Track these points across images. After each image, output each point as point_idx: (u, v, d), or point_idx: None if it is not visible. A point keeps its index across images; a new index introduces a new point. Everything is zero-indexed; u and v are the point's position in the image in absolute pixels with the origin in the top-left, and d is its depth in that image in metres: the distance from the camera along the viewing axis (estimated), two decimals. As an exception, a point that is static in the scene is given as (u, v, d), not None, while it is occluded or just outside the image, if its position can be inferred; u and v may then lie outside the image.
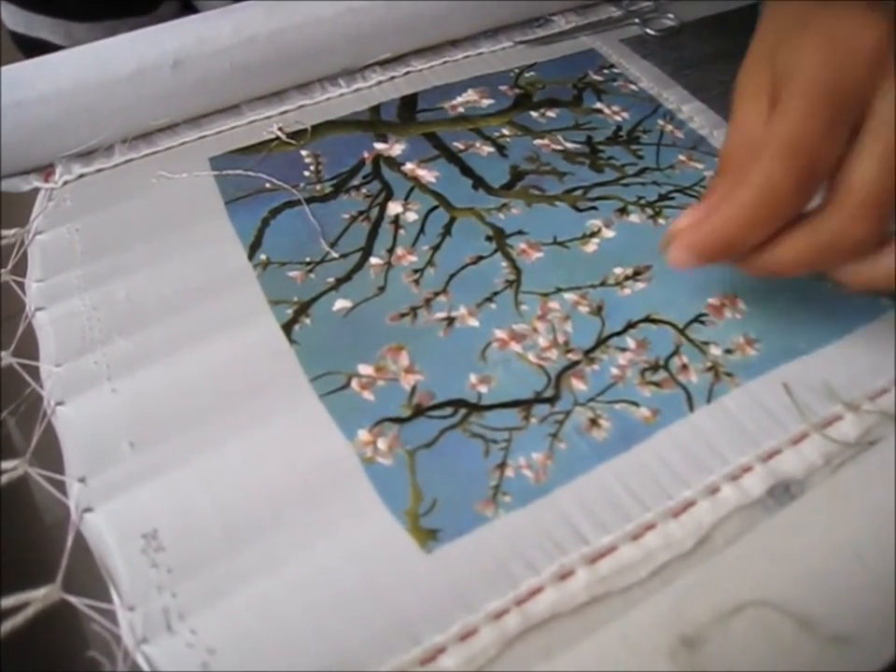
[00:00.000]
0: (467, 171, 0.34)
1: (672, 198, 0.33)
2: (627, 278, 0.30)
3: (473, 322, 0.29)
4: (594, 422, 0.26)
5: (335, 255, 0.31)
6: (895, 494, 0.21)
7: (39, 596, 0.22)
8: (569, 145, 0.35)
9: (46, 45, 0.45)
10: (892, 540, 0.20)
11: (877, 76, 0.23)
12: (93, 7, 0.45)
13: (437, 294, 0.30)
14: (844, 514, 0.21)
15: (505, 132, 0.36)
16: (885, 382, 0.27)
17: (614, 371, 0.27)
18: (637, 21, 0.42)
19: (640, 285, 0.30)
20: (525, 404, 0.26)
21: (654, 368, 0.27)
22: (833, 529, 0.21)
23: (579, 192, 0.33)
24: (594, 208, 0.33)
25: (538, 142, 0.36)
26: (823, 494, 0.22)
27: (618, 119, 0.37)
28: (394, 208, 0.33)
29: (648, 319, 0.29)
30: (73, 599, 0.22)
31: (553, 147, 0.35)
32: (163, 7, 0.46)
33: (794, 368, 0.27)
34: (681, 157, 0.35)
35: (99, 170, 0.35)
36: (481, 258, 0.31)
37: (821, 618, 0.19)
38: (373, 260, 0.31)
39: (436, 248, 0.31)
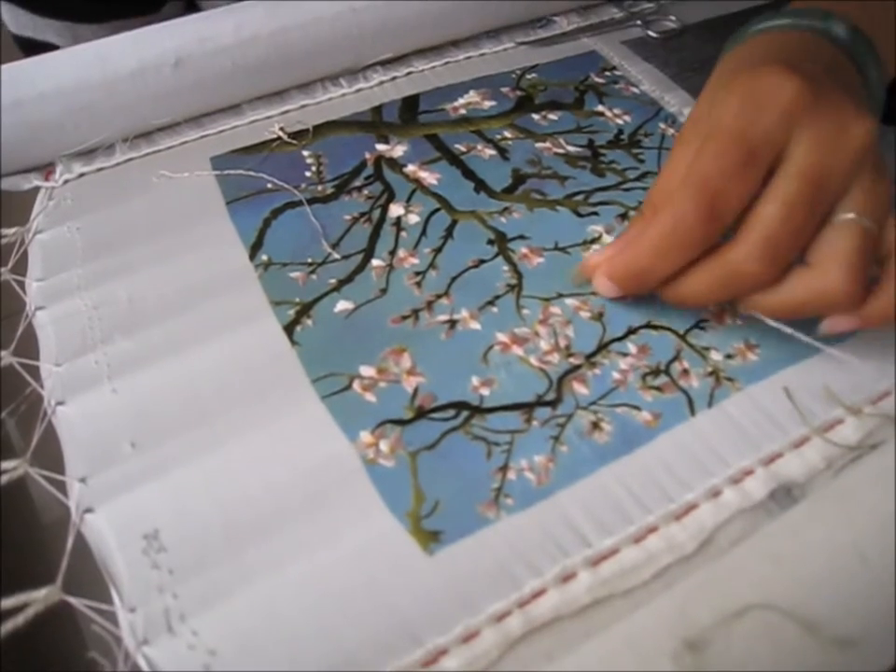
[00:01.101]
0: (468, 173, 0.34)
1: (673, 201, 0.33)
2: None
3: (475, 325, 0.29)
4: (595, 425, 0.26)
5: (337, 256, 0.31)
6: (897, 498, 0.21)
7: (39, 597, 0.22)
8: (571, 148, 0.35)
9: (53, 48, 0.45)
10: (895, 543, 0.20)
11: (792, 126, 0.25)
12: (100, 9, 0.44)
13: (439, 297, 0.30)
14: (846, 517, 0.21)
15: (507, 134, 0.36)
16: (886, 385, 0.27)
17: (615, 375, 0.27)
18: (638, 22, 0.42)
19: (640, 292, 0.30)
20: (526, 407, 0.26)
21: (655, 373, 0.28)
22: (836, 532, 0.21)
23: (580, 197, 0.33)
24: (595, 213, 0.33)
25: (539, 145, 0.36)
26: (826, 497, 0.22)
27: (619, 122, 0.37)
28: (396, 210, 0.33)
29: (648, 325, 0.29)
30: (73, 600, 0.22)
31: (555, 150, 0.35)
32: (168, 6, 0.46)
33: (795, 372, 0.27)
34: (682, 160, 0.35)
35: (100, 169, 0.34)
36: (482, 261, 0.31)
37: (825, 621, 0.19)
38: (375, 262, 0.31)
39: (438, 251, 0.31)
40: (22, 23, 0.46)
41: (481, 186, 0.34)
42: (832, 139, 0.25)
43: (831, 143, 0.25)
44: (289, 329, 0.28)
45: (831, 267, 0.25)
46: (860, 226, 0.25)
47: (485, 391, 0.27)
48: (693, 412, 0.26)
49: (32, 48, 0.46)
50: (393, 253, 0.31)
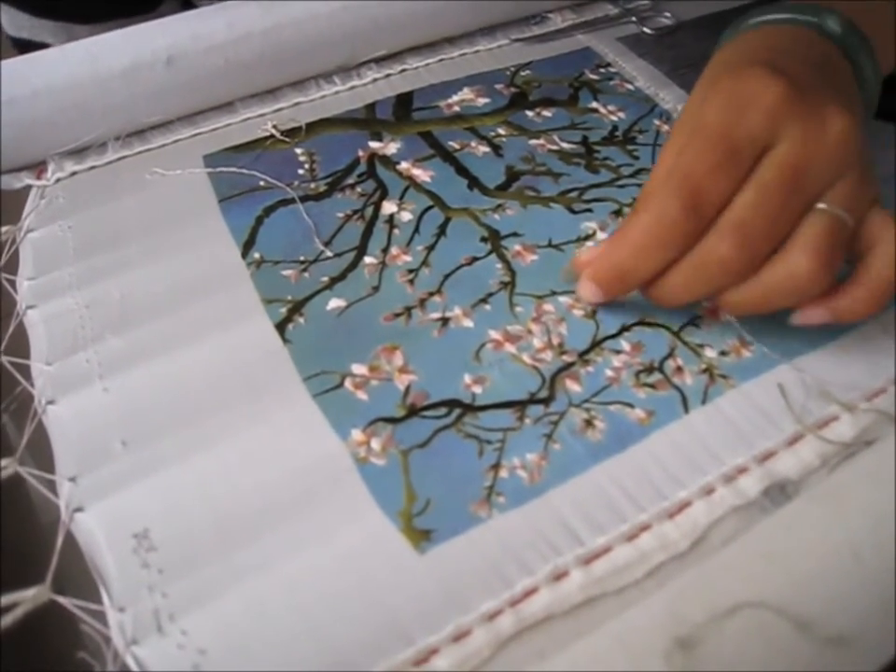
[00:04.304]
0: (462, 171, 0.34)
1: (668, 198, 0.33)
2: (622, 280, 0.30)
3: (468, 323, 0.29)
4: (588, 423, 0.26)
5: (329, 254, 0.31)
6: (892, 494, 0.21)
7: (28, 597, 0.22)
8: (565, 145, 0.35)
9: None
10: (889, 541, 0.20)
11: (775, 126, 0.25)
12: (96, 10, 0.44)
13: (431, 294, 0.30)
14: (840, 515, 0.21)
15: (501, 131, 0.36)
16: (881, 382, 0.27)
17: (609, 372, 0.27)
18: (633, 19, 0.42)
19: (634, 288, 0.30)
20: (519, 405, 0.26)
21: (649, 370, 0.27)
22: (830, 530, 0.21)
23: (574, 194, 0.33)
24: (589, 210, 0.33)
25: (533, 142, 0.35)
26: (820, 494, 0.22)
27: (614, 118, 0.37)
28: (389, 207, 0.33)
29: (642, 322, 0.29)
30: (62, 600, 0.22)
31: (549, 146, 0.35)
32: (164, 6, 0.46)
33: (790, 369, 0.27)
34: (677, 157, 0.35)
35: (92, 167, 0.34)
36: (475, 259, 0.31)
37: (818, 619, 0.19)
38: (368, 260, 0.31)
39: (431, 248, 0.31)
40: (19, 24, 0.45)
41: (474, 183, 0.34)
42: (812, 135, 0.25)
43: (811, 138, 0.25)
44: (281, 326, 0.28)
45: (795, 250, 0.25)
46: (830, 214, 0.25)
47: (478, 389, 0.27)
48: (686, 409, 0.26)
49: (28, 49, 0.46)
50: (386, 251, 0.31)
